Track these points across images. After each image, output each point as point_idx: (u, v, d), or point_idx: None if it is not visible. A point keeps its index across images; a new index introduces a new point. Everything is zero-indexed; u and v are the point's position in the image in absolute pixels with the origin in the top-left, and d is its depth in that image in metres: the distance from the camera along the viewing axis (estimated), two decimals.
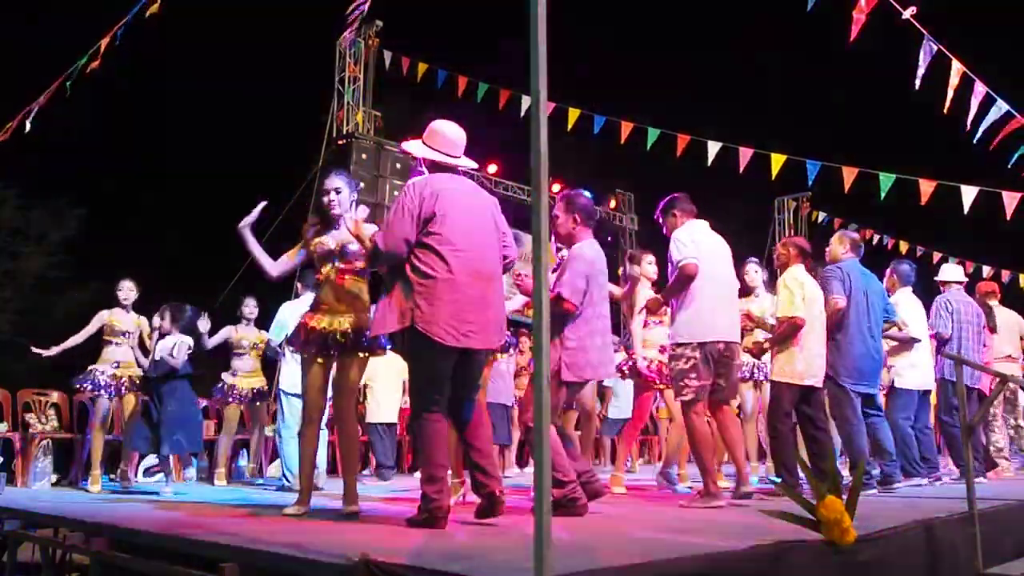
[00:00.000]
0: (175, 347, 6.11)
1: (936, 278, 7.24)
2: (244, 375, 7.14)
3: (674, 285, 4.73)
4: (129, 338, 6.63)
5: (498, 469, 3.79)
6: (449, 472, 3.86)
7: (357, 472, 4.50)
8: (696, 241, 4.76)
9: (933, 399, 6.99)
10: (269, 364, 7.42)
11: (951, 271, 7.30)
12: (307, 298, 6.73)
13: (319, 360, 4.26)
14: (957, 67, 6.54)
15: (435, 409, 3.66)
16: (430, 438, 3.63)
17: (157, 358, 6.18)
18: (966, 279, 7.37)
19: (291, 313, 6.55)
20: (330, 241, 4.35)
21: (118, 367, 6.52)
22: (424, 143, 3.93)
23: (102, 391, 6.40)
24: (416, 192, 3.69)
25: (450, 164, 3.87)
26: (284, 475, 6.46)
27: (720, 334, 4.69)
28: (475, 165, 4.02)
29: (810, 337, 5.26)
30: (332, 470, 9.02)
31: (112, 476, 7.57)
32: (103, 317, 6.62)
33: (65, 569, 4.93)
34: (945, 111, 6.61)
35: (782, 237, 16.13)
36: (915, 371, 6.41)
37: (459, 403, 3.77)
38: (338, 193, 4.38)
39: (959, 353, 6.50)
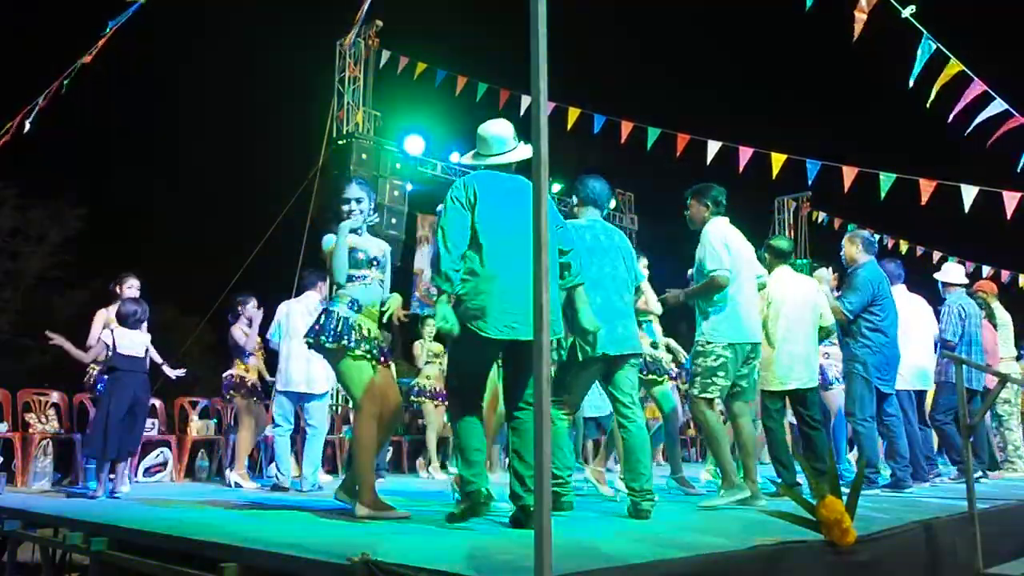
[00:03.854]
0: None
1: (937, 276, 7.21)
2: (251, 370, 7.09)
3: (700, 290, 4.68)
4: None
5: None
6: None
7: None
8: (727, 243, 4.67)
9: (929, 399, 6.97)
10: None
11: (955, 272, 7.26)
12: (309, 297, 6.73)
13: (368, 360, 4.21)
14: (954, 65, 6.54)
15: (471, 400, 3.77)
16: (465, 426, 3.74)
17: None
18: (966, 280, 7.35)
19: (289, 311, 6.56)
20: (371, 248, 4.36)
21: None
22: (476, 153, 4.00)
23: None
24: (463, 185, 3.78)
25: (499, 164, 3.91)
26: (276, 474, 6.46)
27: (749, 335, 4.69)
28: (530, 154, 3.99)
29: (789, 342, 5.26)
30: (332, 469, 9.04)
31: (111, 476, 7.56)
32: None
33: (65, 569, 4.93)
34: (932, 108, 6.61)
35: None
36: (911, 372, 6.38)
37: (514, 402, 3.81)
38: (359, 203, 4.40)
39: (971, 357, 6.53)
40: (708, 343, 4.63)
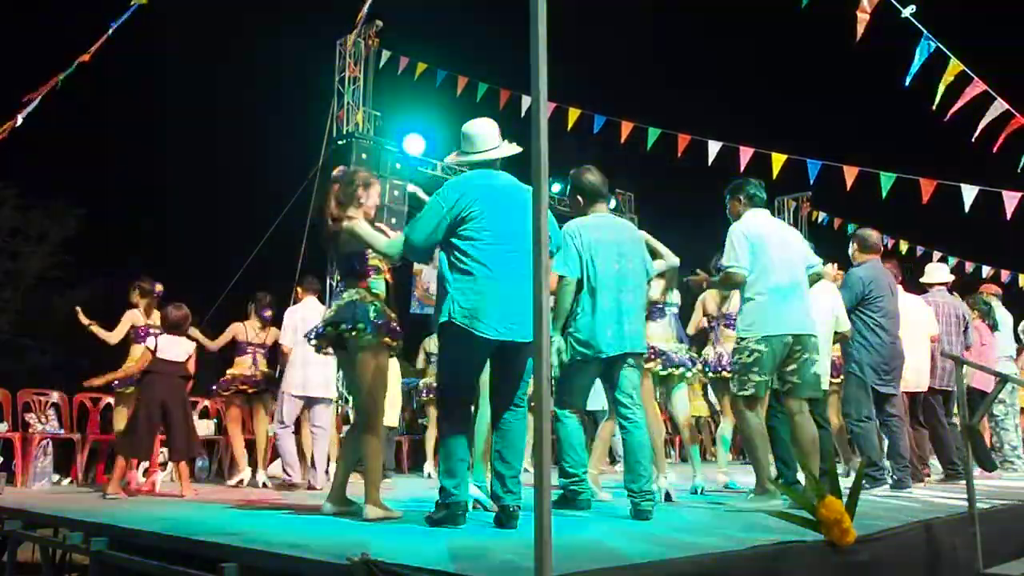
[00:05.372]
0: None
1: (921, 280, 7.23)
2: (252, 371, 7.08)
3: (717, 283, 4.88)
4: None
5: (520, 484, 3.67)
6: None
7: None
8: (758, 234, 4.52)
9: None
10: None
11: (934, 272, 7.29)
12: (309, 302, 6.76)
13: (379, 355, 4.13)
14: (955, 65, 6.54)
15: (460, 403, 3.76)
16: (452, 432, 3.70)
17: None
18: (952, 277, 7.36)
19: (292, 318, 6.61)
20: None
21: None
22: (460, 151, 3.97)
23: None
24: (450, 190, 3.76)
25: (486, 161, 3.88)
26: (285, 471, 6.48)
27: (789, 327, 4.45)
28: (519, 149, 3.91)
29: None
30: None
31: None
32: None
33: (65, 569, 4.94)
34: (938, 108, 6.62)
35: None
36: (907, 372, 6.34)
37: (501, 403, 3.78)
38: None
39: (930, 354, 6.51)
40: (742, 339, 4.51)
